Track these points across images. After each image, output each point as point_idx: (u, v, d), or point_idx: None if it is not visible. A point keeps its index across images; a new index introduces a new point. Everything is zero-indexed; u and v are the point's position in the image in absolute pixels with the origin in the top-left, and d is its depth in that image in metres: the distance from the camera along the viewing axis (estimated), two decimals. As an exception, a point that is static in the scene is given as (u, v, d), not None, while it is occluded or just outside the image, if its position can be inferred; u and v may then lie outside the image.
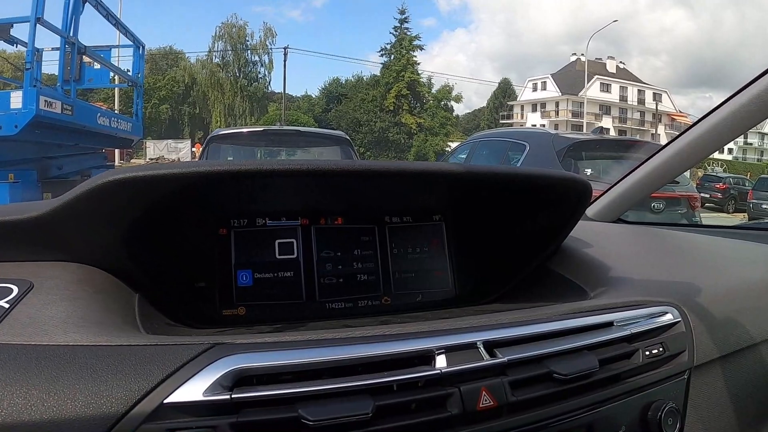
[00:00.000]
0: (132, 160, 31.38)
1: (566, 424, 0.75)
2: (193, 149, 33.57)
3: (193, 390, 0.57)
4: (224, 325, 0.96)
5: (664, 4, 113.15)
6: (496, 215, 1.14)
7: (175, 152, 36.07)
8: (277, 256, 1.02)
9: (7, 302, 0.68)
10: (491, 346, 0.73)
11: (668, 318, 0.92)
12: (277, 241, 1.03)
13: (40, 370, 0.57)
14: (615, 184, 1.72)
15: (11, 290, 0.71)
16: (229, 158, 5.84)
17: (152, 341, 0.63)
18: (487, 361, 0.71)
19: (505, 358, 0.72)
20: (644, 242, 1.48)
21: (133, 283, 0.85)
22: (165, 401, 0.56)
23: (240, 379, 0.60)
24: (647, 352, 0.86)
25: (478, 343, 0.72)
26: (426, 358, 0.69)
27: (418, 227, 1.14)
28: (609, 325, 0.85)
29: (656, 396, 0.85)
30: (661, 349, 0.88)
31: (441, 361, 0.69)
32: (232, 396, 0.58)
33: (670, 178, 1.66)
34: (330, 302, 1.04)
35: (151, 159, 33.74)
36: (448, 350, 0.70)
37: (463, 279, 1.15)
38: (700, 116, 1.44)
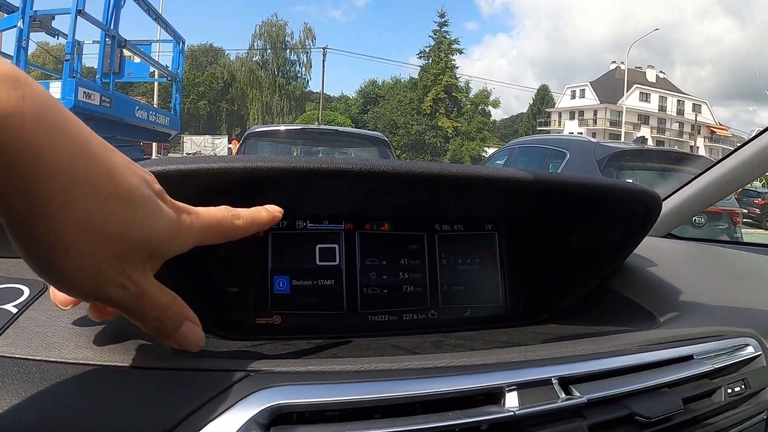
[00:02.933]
0: (169, 154, 31.84)
1: None
2: (230, 146, 33.88)
3: (223, 428, 0.47)
4: (256, 334, 0.87)
5: (712, 13, 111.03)
6: (555, 227, 1.04)
7: (212, 148, 36.59)
8: (318, 263, 0.93)
9: (15, 306, 0.59)
10: (566, 383, 0.62)
11: (749, 351, 0.81)
12: (318, 246, 0.93)
13: (44, 392, 0.48)
14: (669, 197, 1.62)
15: (22, 292, 0.61)
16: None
17: (176, 363, 0.54)
18: (563, 401, 0.60)
19: (585, 398, 0.60)
20: (705, 261, 1.36)
21: None
22: None
23: (278, 417, 0.50)
24: (729, 390, 0.75)
25: (552, 379, 0.61)
26: (494, 395, 0.59)
27: (469, 237, 1.04)
28: (688, 358, 0.74)
29: None
30: (743, 386, 0.77)
31: (512, 400, 0.58)
32: None
33: (729, 193, 1.57)
34: (373, 314, 0.95)
35: (189, 154, 34.16)
36: (519, 387, 0.59)
37: (515, 295, 1.05)
38: (741, 129, 1.36)
